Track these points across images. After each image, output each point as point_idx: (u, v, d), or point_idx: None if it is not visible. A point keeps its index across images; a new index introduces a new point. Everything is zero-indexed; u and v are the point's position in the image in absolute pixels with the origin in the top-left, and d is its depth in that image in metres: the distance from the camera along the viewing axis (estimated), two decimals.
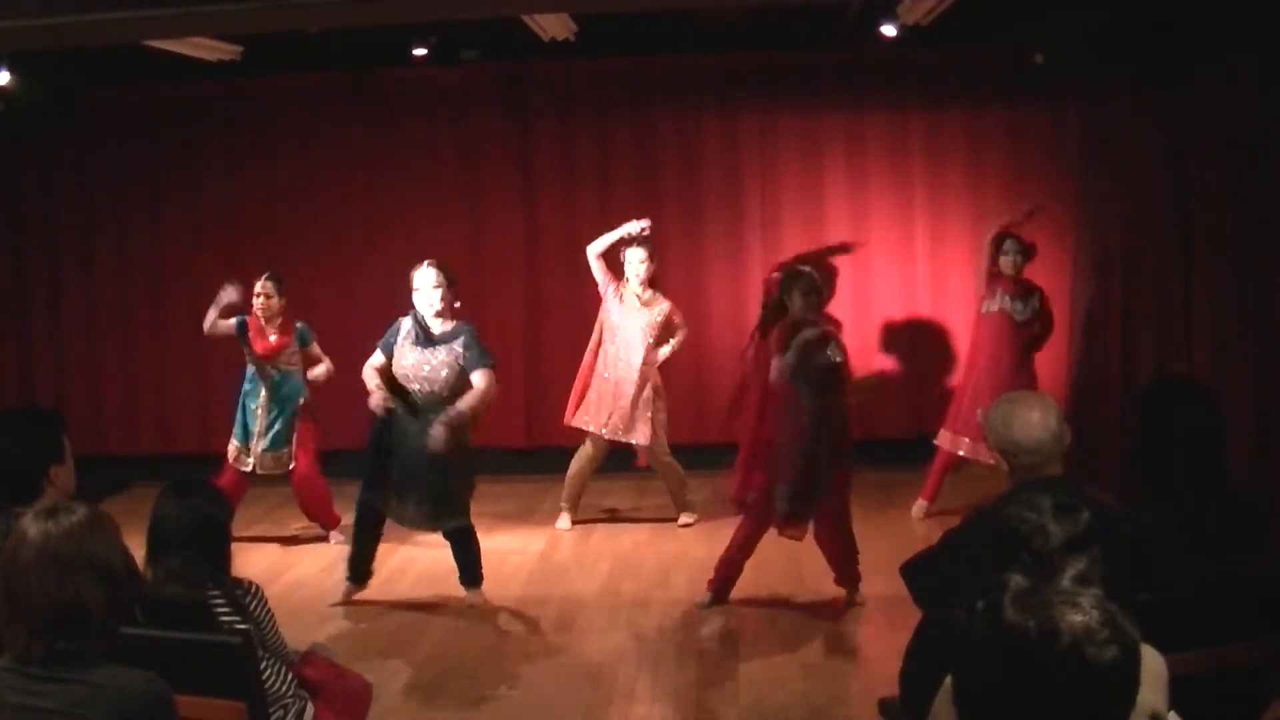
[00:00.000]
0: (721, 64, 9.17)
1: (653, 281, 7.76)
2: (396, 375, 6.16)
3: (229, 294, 7.33)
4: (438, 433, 5.92)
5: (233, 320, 7.34)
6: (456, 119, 9.31)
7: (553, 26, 7.82)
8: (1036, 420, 3.33)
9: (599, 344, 7.79)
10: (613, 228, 7.78)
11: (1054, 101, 8.75)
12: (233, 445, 7.43)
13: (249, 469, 7.37)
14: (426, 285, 6.11)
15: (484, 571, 6.40)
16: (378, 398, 6.07)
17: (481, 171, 9.33)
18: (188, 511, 3.57)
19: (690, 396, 8.90)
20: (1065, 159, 8.80)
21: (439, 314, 6.14)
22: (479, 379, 6.06)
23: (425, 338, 6.14)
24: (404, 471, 6.14)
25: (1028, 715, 1.81)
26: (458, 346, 6.11)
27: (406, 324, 6.20)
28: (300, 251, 9.02)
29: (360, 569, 6.46)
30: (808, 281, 6.12)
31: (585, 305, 8.28)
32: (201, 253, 9.23)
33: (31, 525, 2.49)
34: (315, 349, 7.49)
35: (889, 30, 8.00)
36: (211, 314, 7.34)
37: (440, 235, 9.14)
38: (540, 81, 9.26)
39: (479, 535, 6.43)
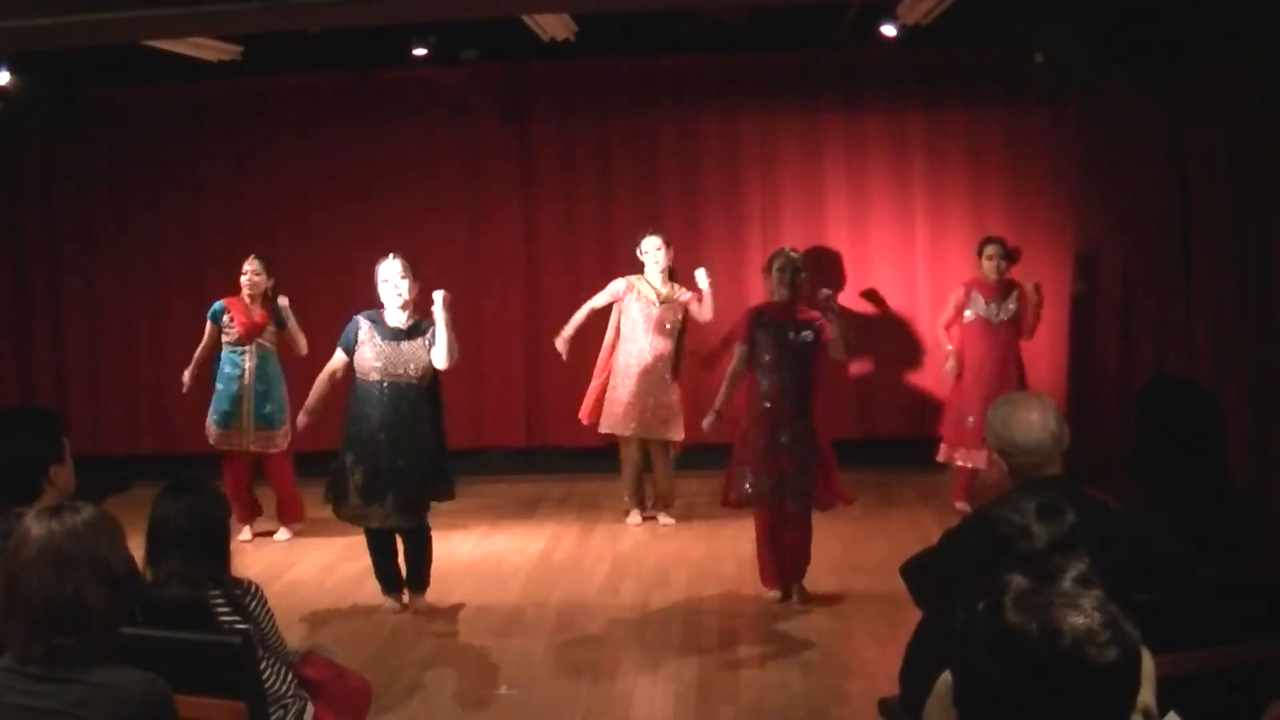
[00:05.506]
0: (721, 64, 9.17)
1: (670, 274, 7.80)
2: (358, 370, 6.06)
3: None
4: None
5: (210, 323, 7.50)
6: (456, 119, 9.30)
7: (553, 26, 7.82)
8: (1035, 421, 3.34)
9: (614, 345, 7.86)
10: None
11: (1054, 101, 8.75)
12: (213, 429, 7.51)
13: (236, 446, 7.47)
14: (394, 276, 6.05)
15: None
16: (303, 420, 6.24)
17: (481, 171, 9.33)
18: (187, 511, 3.58)
19: (690, 397, 8.88)
20: (1065, 159, 8.81)
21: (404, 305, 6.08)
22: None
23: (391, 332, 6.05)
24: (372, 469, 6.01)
25: (1029, 716, 1.81)
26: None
27: (364, 322, 6.11)
28: (300, 251, 9.02)
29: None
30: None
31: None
32: (201, 253, 9.24)
33: (35, 524, 2.50)
34: (291, 325, 7.59)
35: (889, 30, 8.01)
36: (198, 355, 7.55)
37: (440, 235, 9.15)
38: (540, 81, 9.26)
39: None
